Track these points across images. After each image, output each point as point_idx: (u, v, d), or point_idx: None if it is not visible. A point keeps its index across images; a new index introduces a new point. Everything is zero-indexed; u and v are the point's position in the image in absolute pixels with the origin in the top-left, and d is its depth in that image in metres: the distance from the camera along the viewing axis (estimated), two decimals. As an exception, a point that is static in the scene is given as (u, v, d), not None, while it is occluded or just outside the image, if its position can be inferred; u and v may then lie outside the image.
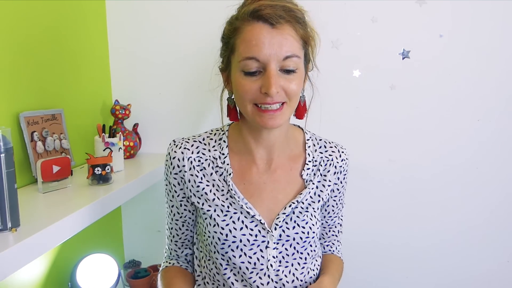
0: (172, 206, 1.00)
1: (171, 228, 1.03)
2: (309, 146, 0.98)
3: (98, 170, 1.16)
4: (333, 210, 1.04)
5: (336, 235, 1.09)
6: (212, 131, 1.01)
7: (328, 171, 0.98)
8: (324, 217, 1.04)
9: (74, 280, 1.30)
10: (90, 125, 1.45)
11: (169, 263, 1.04)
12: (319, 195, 0.97)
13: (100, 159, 1.17)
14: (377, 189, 1.47)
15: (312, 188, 0.96)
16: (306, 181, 0.96)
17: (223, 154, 0.95)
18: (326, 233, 1.08)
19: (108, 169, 1.18)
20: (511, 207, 1.42)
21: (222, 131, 0.99)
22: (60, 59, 1.31)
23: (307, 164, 0.96)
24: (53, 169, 1.10)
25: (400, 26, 1.38)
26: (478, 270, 1.46)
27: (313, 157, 0.98)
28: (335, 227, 1.08)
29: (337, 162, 0.99)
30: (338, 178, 1.00)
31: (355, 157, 1.03)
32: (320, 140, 1.01)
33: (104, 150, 1.26)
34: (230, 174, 0.93)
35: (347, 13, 1.40)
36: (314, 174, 0.97)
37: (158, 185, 1.47)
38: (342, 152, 1.01)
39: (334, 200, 1.02)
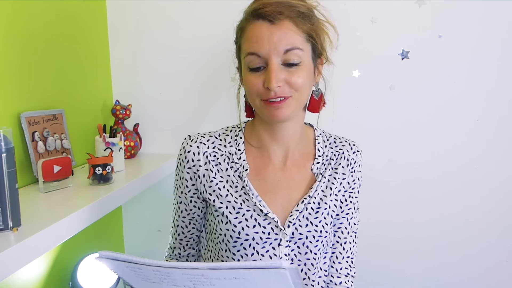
0: (181, 203, 0.99)
1: (177, 226, 1.02)
2: (318, 142, 0.99)
3: (98, 170, 1.16)
4: (350, 210, 0.99)
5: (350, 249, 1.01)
6: (228, 127, 1.01)
7: (339, 164, 0.98)
8: (342, 223, 0.99)
9: (75, 280, 1.30)
10: (91, 125, 1.45)
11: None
12: (330, 188, 0.95)
13: (100, 159, 1.17)
14: (377, 189, 1.48)
15: (324, 182, 0.95)
16: (316, 175, 0.96)
17: (239, 150, 0.96)
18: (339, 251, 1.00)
19: (108, 169, 1.18)
20: (510, 206, 1.43)
21: (239, 127, 0.99)
22: (61, 59, 1.31)
23: (317, 159, 0.97)
24: (54, 169, 1.10)
25: (399, 26, 1.38)
26: (477, 269, 1.46)
27: (323, 152, 0.98)
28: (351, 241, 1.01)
29: (349, 155, 0.99)
30: (349, 171, 0.98)
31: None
32: (330, 136, 1.02)
33: (104, 150, 1.27)
34: (246, 170, 0.93)
35: (347, 14, 1.40)
36: (326, 169, 0.97)
37: (159, 185, 1.48)
38: (354, 145, 1.01)
39: (351, 202, 0.99)
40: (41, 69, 1.22)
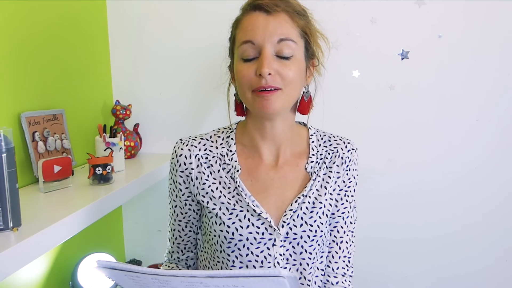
0: (176, 207, 1.00)
1: (174, 230, 1.02)
2: (312, 141, 0.98)
3: (99, 170, 1.17)
4: (346, 209, 0.99)
5: (347, 249, 1.00)
6: (219, 129, 1.01)
7: (334, 163, 0.97)
8: (338, 222, 0.99)
9: (75, 280, 1.30)
10: (91, 125, 1.45)
11: (168, 266, 1.04)
12: (325, 187, 0.95)
13: (101, 159, 1.17)
14: (376, 189, 1.48)
15: (318, 181, 0.95)
16: (310, 174, 0.95)
17: (231, 151, 0.95)
18: (336, 252, 0.99)
19: (109, 169, 1.18)
20: (510, 206, 1.43)
21: (230, 129, 0.99)
22: (61, 59, 1.31)
23: (311, 157, 0.96)
24: (54, 169, 1.10)
25: (399, 26, 1.39)
26: (477, 269, 1.47)
27: (318, 151, 0.97)
28: (346, 241, 0.99)
29: (343, 153, 0.97)
30: (344, 169, 0.97)
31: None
32: (325, 135, 1.01)
33: (105, 150, 1.27)
34: (238, 171, 0.93)
35: (347, 14, 1.40)
36: (320, 167, 0.96)
37: (159, 185, 1.48)
38: (348, 143, 1.00)
39: (347, 201, 0.98)
40: (41, 69, 1.22)
